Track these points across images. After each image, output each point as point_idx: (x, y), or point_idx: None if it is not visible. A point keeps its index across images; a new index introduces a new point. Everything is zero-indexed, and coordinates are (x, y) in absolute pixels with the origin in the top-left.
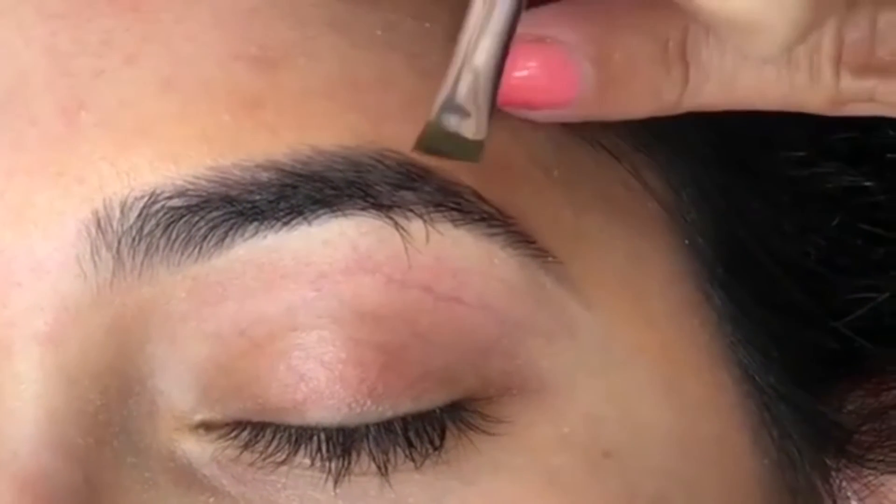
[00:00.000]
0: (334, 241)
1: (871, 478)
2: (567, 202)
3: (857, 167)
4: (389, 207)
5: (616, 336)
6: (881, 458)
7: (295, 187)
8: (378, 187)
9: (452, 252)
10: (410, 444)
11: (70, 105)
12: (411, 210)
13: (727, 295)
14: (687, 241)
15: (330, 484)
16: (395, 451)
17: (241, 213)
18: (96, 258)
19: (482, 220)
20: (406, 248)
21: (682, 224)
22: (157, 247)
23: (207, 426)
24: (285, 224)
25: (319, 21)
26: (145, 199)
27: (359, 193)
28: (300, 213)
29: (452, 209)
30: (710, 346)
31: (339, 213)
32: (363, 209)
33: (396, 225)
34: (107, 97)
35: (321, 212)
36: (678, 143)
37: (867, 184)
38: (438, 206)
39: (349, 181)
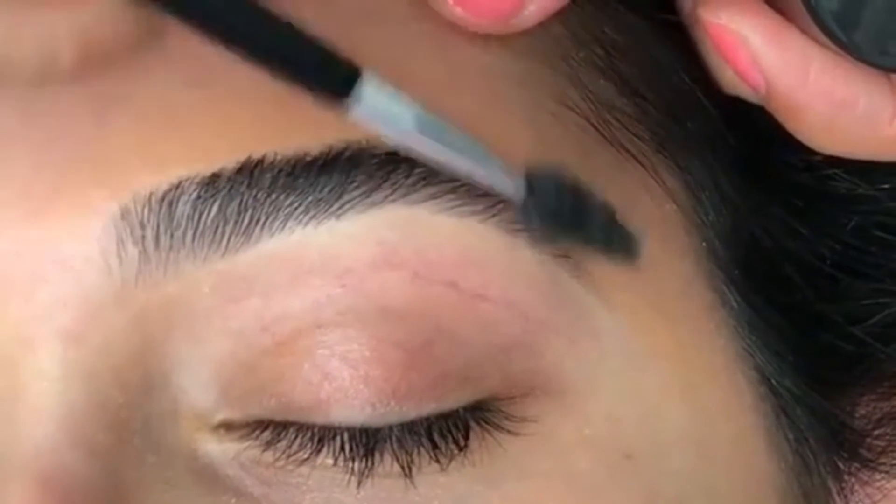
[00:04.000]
0: (361, 235)
1: (883, 482)
2: None
3: (867, 175)
4: (417, 201)
5: (636, 337)
6: (894, 461)
7: (324, 180)
8: (406, 181)
9: (477, 247)
10: (435, 446)
11: (99, 98)
12: (438, 204)
13: (743, 298)
14: (704, 244)
15: (353, 485)
16: (419, 452)
17: (269, 207)
18: (122, 253)
19: (507, 216)
20: (434, 242)
21: (700, 226)
22: (184, 241)
23: (228, 426)
24: (313, 218)
25: (355, 10)
26: (173, 191)
27: (387, 187)
28: (328, 207)
29: (478, 204)
30: (726, 348)
31: (368, 206)
32: (391, 202)
33: (424, 218)
34: (137, 90)
35: (349, 206)
36: (697, 145)
37: (877, 192)
38: (465, 200)
39: (378, 174)
